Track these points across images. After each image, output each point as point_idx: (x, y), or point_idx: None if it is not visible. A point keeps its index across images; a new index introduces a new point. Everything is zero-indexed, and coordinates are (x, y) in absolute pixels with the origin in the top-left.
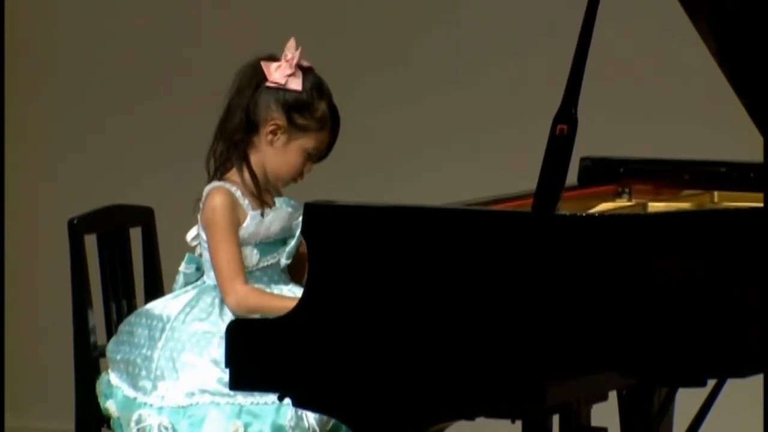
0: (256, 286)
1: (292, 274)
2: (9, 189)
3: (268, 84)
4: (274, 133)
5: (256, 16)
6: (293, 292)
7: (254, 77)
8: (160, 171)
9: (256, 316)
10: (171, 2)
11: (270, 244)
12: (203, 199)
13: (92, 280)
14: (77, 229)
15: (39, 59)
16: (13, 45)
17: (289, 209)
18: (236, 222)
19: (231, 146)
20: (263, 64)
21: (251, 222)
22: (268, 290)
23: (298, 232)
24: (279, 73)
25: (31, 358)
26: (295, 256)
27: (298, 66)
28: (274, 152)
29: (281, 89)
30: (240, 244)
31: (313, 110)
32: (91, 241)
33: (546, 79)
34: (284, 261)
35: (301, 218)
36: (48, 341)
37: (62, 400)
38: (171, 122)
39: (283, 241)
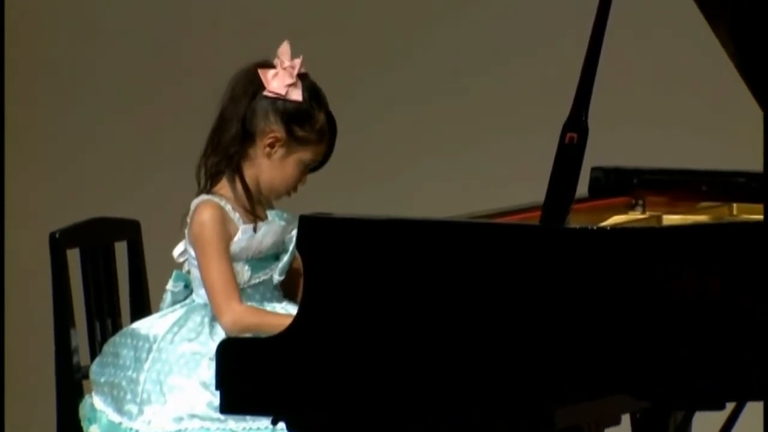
0: (249, 304)
1: (285, 291)
2: None
3: (265, 93)
4: (272, 146)
5: (248, 20)
6: (287, 309)
7: (250, 85)
8: (147, 182)
9: (249, 334)
10: (156, 12)
11: (262, 260)
12: (191, 213)
13: (75, 297)
14: (59, 243)
15: (25, 69)
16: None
17: (282, 223)
18: (227, 237)
19: (224, 158)
20: (260, 71)
21: (242, 236)
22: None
23: (291, 247)
24: (278, 82)
25: (10, 379)
26: (289, 271)
27: (297, 74)
28: (271, 165)
29: (280, 99)
30: (231, 260)
31: (314, 121)
32: (74, 256)
33: (554, 85)
34: (277, 277)
35: (294, 232)
36: (28, 361)
37: (44, 423)
38: (158, 131)
39: (276, 257)
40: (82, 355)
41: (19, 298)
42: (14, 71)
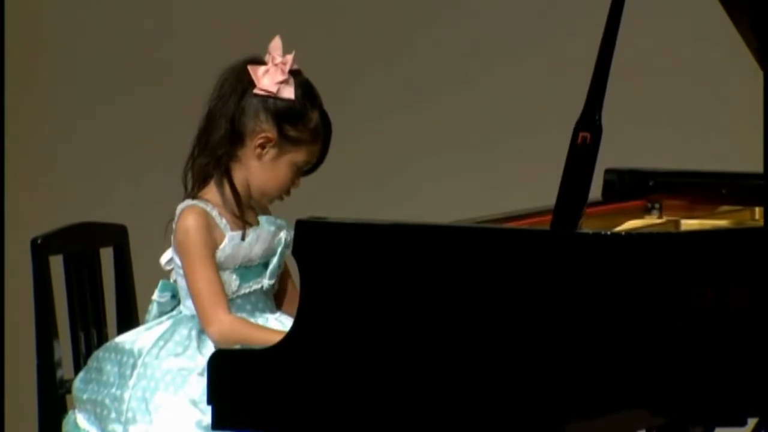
0: (239, 315)
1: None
2: None
3: (256, 91)
4: (262, 146)
5: (239, 15)
6: (280, 321)
7: (239, 83)
8: (134, 184)
9: (237, 346)
10: (142, 7)
11: (251, 269)
12: (175, 219)
13: (58, 306)
14: (41, 249)
15: (10, 69)
16: None
17: (273, 228)
18: (212, 244)
19: (212, 160)
20: (250, 68)
21: (229, 243)
22: (252, 320)
23: (279, 249)
24: (269, 80)
25: None
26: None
27: (290, 71)
28: (262, 167)
29: (271, 97)
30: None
31: (307, 120)
32: (57, 263)
33: (565, 80)
34: (268, 282)
35: (282, 234)
36: (9, 375)
37: None
38: (146, 130)
39: (266, 264)
40: (66, 369)
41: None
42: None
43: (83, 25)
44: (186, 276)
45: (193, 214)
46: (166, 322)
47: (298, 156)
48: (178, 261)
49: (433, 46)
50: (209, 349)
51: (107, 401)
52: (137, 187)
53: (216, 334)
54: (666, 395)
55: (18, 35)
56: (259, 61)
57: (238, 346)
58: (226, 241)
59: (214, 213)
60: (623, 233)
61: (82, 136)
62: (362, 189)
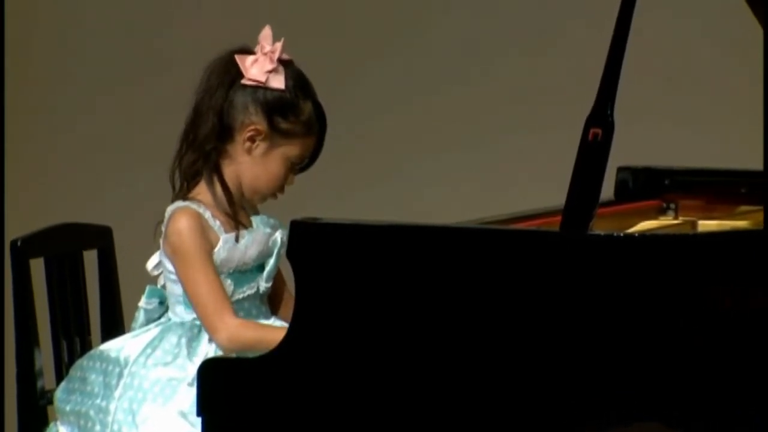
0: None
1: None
2: None
3: (244, 82)
4: (252, 139)
5: (232, 11)
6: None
7: (227, 74)
8: (119, 183)
9: (233, 355)
10: (132, 10)
11: (246, 272)
12: (165, 221)
13: (39, 312)
14: (22, 251)
15: None
16: None
17: (268, 230)
18: (208, 247)
19: (201, 156)
20: (238, 58)
21: (223, 246)
22: None
23: (276, 250)
24: (257, 69)
25: None
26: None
27: (279, 60)
28: (253, 162)
29: (260, 87)
30: None
31: (299, 112)
32: (38, 266)
33: (575, 75)
34: (264, 285)
35: (277, 234)
36: (8, 380)
37: None
38: (133, 127)
39: (261, 267)
40: (47, 379)
41: None
42: None
43: (70, 26)
44: (183, 282)
45: (185, 216)
46: (153, 330)
47: (291, 150)
48: (168, 266)
49: (433, 45)
50: (200, 357)
51: (92, 413)
52: (123, 188)
53: (225, 341)
54: (681, 409)
55: (11, 37)
56: (248, 51)
57: (234, 355)
58: (220, 244)
59: (207, 215)
60: (637, 235)
61: (64, 134)
62: (361, 189)
